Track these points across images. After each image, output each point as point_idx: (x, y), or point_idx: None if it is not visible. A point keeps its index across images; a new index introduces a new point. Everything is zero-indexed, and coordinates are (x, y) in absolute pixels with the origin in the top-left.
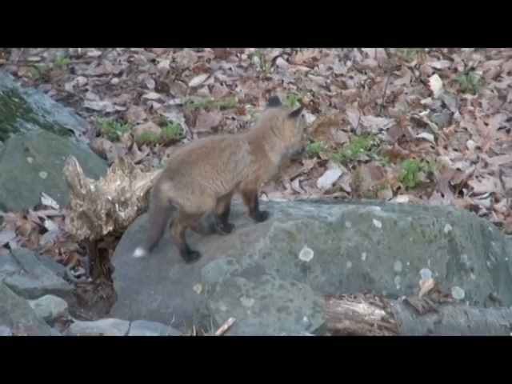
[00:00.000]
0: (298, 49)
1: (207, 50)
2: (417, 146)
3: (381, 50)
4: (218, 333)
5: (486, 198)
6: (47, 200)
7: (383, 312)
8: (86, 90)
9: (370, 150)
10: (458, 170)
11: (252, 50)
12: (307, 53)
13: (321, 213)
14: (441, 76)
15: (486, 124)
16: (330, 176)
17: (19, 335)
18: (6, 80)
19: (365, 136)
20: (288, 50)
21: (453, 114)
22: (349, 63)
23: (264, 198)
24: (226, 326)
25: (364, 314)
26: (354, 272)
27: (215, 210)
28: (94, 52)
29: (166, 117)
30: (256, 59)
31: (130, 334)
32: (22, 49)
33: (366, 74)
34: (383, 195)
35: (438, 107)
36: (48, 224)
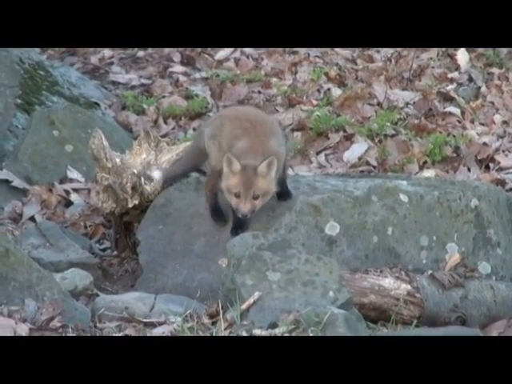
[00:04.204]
0: None
1: None
2: (443, 120)
3: None
4: (243, 307)
5: None
6: (73, 173)
7: (409, 287)
8: (112, 63)
9: (396, 123)
10: (485, 144)
11: None
12: None
13: (347, 187)
14: (468, 50)
15: None
16: (356, 150)
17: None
18: (32, 53)
19: (391, 110)
20: None
21: (479, 88)
22: None
23: (290, 172)
24: (251, 300)
25: (390, 288)
26: (380, 246)
27: None
28: None
29: (191, 90)
30: None
31: (156, 308)
32: None
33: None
34: (409, 169)
35: (465, 81)
36: (73, 197)
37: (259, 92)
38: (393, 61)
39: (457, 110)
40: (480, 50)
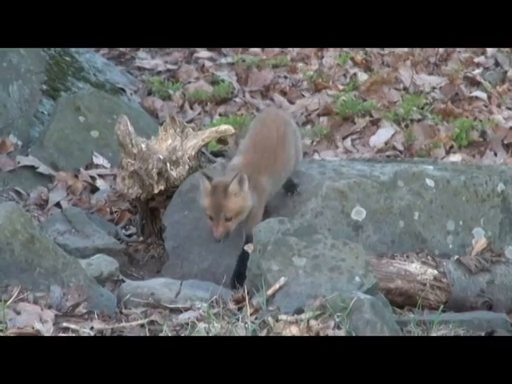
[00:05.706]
0: None
1: None
2: (470, 105)
3: None
4: (269, 292)
5: None
6: (98, 159)
7: (436, 271)
8: (138, 49)
9: (422, 108)
10: (511, 128)
11: None
12: None
13: (373, 172)
14: None
15: None
16: (383, 135)
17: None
18: None
19: (417, 94)
20: None
21: (506, 72)
22: None
23: (316, 156)
24: (277, 286)
25: (416, 273)
26: (406, 231)
27: None
28: None
29: (217, 75)
30: None
31: (182, 294)
32: None
33: None
34: (436, 154)
35: (491, 65)
36: (99, 183)
37: (285, 77)
38: None
39: (483, 95)
40: None
